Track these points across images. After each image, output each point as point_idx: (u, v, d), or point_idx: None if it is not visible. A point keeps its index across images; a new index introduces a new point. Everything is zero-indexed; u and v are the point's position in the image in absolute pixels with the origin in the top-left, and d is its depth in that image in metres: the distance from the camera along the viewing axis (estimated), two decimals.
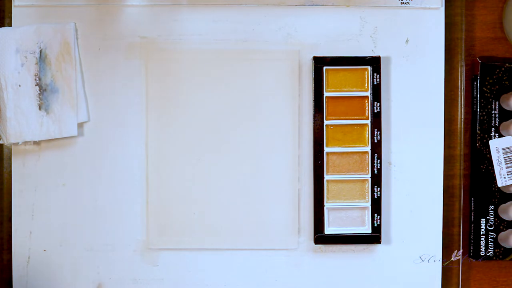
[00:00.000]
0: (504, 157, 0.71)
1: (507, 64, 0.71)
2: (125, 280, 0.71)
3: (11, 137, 0.70)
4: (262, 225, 0.71)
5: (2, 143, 0.71)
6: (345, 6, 0.72)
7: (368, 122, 0.71)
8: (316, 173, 0.71)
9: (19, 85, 0.70)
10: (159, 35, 0.71)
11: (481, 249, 0.72)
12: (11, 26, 0.70)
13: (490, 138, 0.72)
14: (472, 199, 0.73)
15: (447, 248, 0.72)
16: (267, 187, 0.71)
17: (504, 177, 0.72)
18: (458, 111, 0.72)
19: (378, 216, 0.71)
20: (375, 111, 0.71)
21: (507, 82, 0.72)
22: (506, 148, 0.72)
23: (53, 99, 0.70)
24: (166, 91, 0.71)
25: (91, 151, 0.71)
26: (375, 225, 0.71)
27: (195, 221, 0.71)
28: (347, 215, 0.72)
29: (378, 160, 0.71)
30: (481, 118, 0.72)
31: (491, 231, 0.72)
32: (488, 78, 0.72)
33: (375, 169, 0.71)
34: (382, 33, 0.72)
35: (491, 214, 0.72)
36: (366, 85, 0.71)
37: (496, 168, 0.72)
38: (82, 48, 0.71)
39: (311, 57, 0.71)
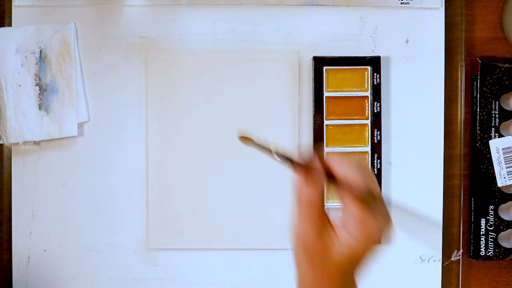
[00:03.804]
0: (504, 157, 0.71)
1: (507, 64, 0.71)
2: (125, 280, 0.71)
3: (11, 137, 0.70)
4: (262, 225, 0.71)
5: (2, 143, 0.71)
6: (345, 6, 0.72)
7: (368, 122, 0.71)
8: None
9: (19, 85, 0.70)
10: (159, 35, 0.71)
11: (481, 249, 0.72)
12: (11, 26, 0.70)
13: (490, 138, 0.72)
14: (472, 199, 0.73)
15: (447, 248, 0.72)
16: (267, 187, 0.71)
17: (504, 177, 0.72)
18: (458, 111, 0.72)
19: None
20: (375, 111, 0.71)
21: (507, 82, 0.72)
22: (506, 148, 0.72)
23: (53, 99, 0.70)
24: (166, 91, 0.71)
25: (91, 151, 0.71)
26: None
27: (195, 221, 0.71)
28: None
29: (378, 160, 0.71)
30: (481, 118, 0.72)
31: (491, 231, 0.72)
32: (488, 78, 0.72)
33: (375, 169, 0.71)
34: (382, 33, 0.72)
35: (491, 214, 0.72)
36: (366, 85, 0.71)
37: (496, 168, 0.72)
38: (82, 48, 0.71)
39: (311, 57, 0.71)
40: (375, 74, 0.71)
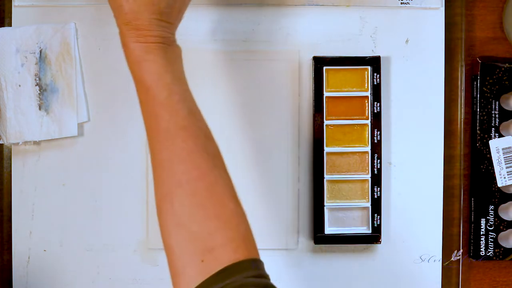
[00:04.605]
0: (504, 157, 0.71)
1: (507, 64, 0.71)
2: (125, 280, 0.71)
3: (11, 137, 0.70)
4: (262, 225, 0.71)
5: (2, 143, 0.71)
6: (345, 6, 0.72)
7: (368, 122, 0.71)
8: (316, 173, 0.71)
9: (19, 85, 0.70)
10: None
11: (481, 249, 0.72)
12: (11, 26, 0.70)
13: (490, 138, 0.72)
14: (472, 199, 0.73)
15: (447, 248, 0.72)
16: (267, 187, 0.71)
17: (504, 177, 0.72)
18: (458, 111, 0.72)
19: (378, 216, 0.71)
20: (375, 111, 0.71)
21: (507, 82, 0.72)
22: (506, 148, 0.72)
23: (53, 99, 0.70)
24: None
25: (91, 151, 0.71)
26: (375, 225, 0.71)
27: None
28: (347, 215, 0.72)
29: (378, 160, 0.71)
30: (481, 118, 0.72)
31: (491, 231, 0.72)
32: (488, 78, 0.72)
33: (375, 169, 0.71)
34: (382, 33, 0.72)
35: (491, 214, 0.72)
36: (366, 85, 0.71)
37: (496, 168, 0.72)
38: (82, 48, 0.71)
39: (311, 57, 0.71)
40: (375, 74, 0.71)
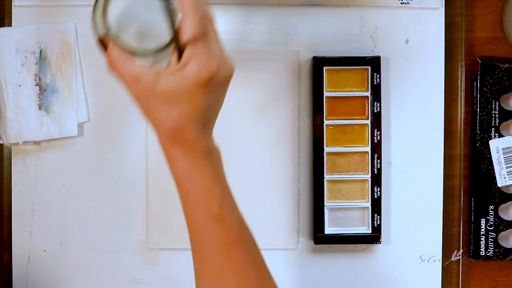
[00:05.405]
0: (504, 157, 0.71)
1: (507, 64, 0.71)
2: (125, 280, 0.71)
3: (11, 137, 0.70)
4: (262, 225, 0.71)
5: (2, 143, 0.71)
6: (345, 6, 0.72)
7: (368, 122, 0.71)
8: (316, 173, 0.71)
9: (19, 85, 0.70)
10: None
11: (481, 249, 0.72)
12: (11, 26, 0.70)
13: (490, 138, 0.72)
14: (472, 199, 0.73)
15: (447, 248, 0.72)
16: (267, 187, 0.71)
17: (504, 177, 0.72)
18: (458, 111, 0.72)
19: (378, 216, 0.71)
20: (375, 111, 0.71)
21: (507, 82, 0.72)
22: (506, 148, 0.72)
23: (53, 99, 0.70)
24: None
25: (91, 151, 0.71)
26: (375, 225, 0.71)
27: None
28: (347, 215, 0.72)
29: (378, 160, 0.71)
30: (481, 118, 0.72)
31: (491, 231, 0.72)
32: (488, 78, 0.72)
33: (375, 169, 0.71)
34: (382, 33, 0.72)
35: (491, 214, 0.72)
36: (366, 85, 0.71)
37: (496, 168, 0.72)
38: (82, 48, 0.71)
39: (311, 57, 0.71)
40: (375, 74, 0.71)
